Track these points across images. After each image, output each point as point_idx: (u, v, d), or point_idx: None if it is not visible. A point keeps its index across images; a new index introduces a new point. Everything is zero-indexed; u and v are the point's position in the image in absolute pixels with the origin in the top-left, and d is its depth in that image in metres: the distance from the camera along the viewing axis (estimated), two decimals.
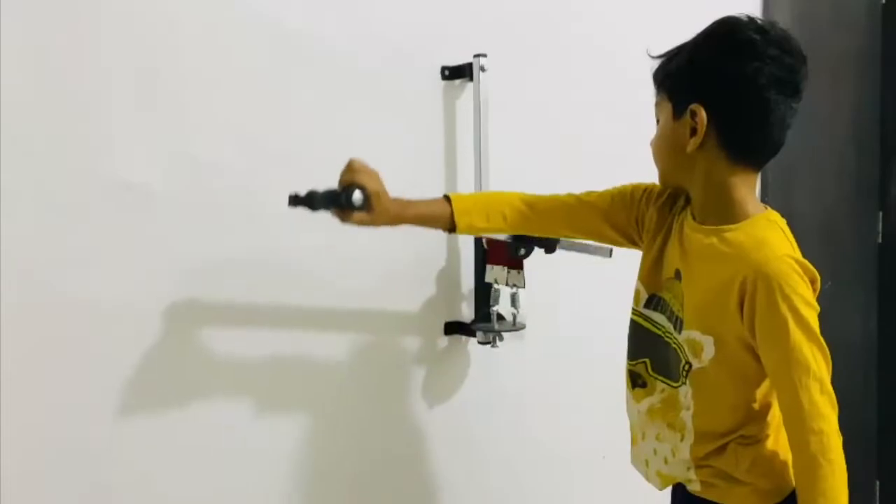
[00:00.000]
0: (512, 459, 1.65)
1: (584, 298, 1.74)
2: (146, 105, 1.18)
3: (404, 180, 1.46)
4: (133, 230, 1.18)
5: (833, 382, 1.01)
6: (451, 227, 1.19)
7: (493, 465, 1.62)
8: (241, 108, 1.27)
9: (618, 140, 1.67)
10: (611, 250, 1.33)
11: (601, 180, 1.72)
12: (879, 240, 2.46)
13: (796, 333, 0.99)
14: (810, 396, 0.99)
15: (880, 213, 2.46)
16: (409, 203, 1.17)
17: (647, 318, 1.16)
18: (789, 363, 1.00)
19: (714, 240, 1.05)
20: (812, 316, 1.01)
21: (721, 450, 1.09)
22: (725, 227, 1.05)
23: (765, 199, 2.17)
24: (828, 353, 1.02)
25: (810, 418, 0.99)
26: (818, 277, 1.03)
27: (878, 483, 2.45)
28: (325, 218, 1.36)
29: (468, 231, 1.21)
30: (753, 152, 1.07)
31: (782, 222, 1.08)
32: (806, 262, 1.02)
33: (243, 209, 1.28)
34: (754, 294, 1.00)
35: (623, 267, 1.74)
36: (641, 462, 1.18)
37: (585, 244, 1.32)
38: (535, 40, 1.62)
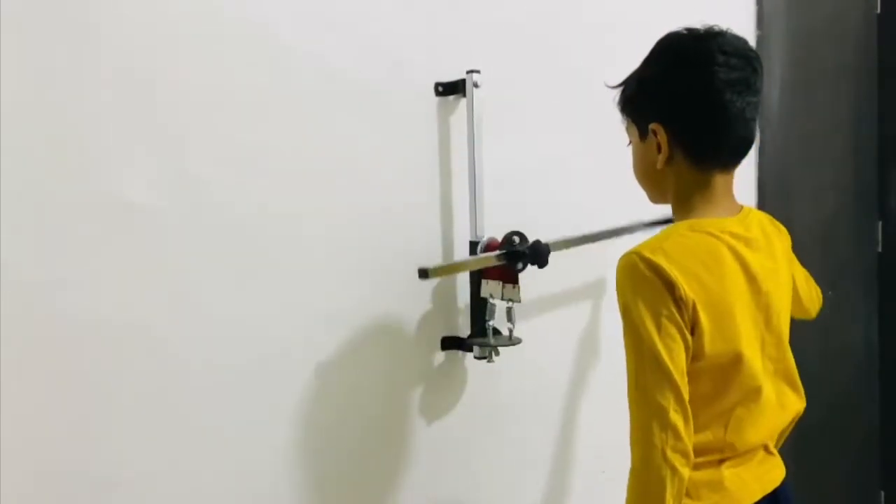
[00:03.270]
0: (509, 474, 1.65)
1: (580, 312, 1.74)
2: (144, 124, 1.19)
3: (399, 196, 1.48)
4: (132, 247, 1.19)
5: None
6: None
7: (490, 480, 1.62)
8: (238, 124, 1.28)
9: (612, 156, 1.68)
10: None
11: (596, 196, 1.73)
12: (879, 248, 2.46)
13: (626, 328, 0.99)
14: (630, 392, 0.99)
15: (880, 223, 2.46)
16: None
17: None
18: (626, 358, 1.00)
19: None
20: (645, 314, 0.97)
21: None
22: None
23: (763, 209, 2.17)
24: (661, 359, 0.97)
25: (633, 417, 0.99)
26: (674, 283, 0.98)
27: (882, 493, 2.44)
28: (320, 233, 1.38)
29: None
30: (718, 154, 1.08)
31: (694, 228, 1.05)
32: (660, 264, 0.98)
33: (239, 225, 1.28)
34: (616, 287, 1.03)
35: None
36: None
37: None
38: (529, 56, 1.63)
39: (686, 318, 0.99)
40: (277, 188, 1.32)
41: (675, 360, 0.98)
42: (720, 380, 1.04)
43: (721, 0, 2.00)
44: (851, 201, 2.42)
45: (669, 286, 0.98)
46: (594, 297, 1.75)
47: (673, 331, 0.97)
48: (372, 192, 1.43)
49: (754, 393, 1.08)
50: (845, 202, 2.41)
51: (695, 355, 1.01)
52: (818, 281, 1.35)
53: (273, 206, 1.32)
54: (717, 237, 1.05)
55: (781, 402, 1.13)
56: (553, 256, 1.41)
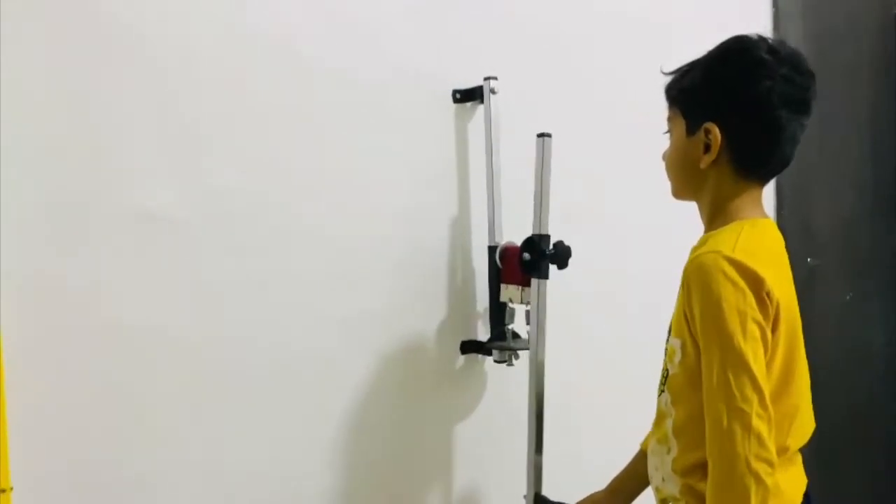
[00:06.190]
0: None
1: (599, 316, 1.74)
2: (166, 135, 1.21)
3: (418, 202, 1.49)
4: (155, 255, 1.21)
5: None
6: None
7: (510, 484, 1.62)
8: (258, 135, 1.30)
9: (629, 160, 1.68)
10: None
11: (613, 201, 1.74)
12: None
13: (707, 331, 0.96)
14: (710, 396, 0.95)
15: None
16: (621, 482, 1.30)
17: None
18: (705, 362, 0.97)
19: (695, 246, 1.08)
20: (730, 315, 0.94)
21: (705, 473, 1.02)
22: (709, 233, 1.08)
23: (781, 211, 2.17)
24: (745, 361, 0.94)
25: (712, 424, 0.95)
26: (763, 279, 0.96)
27: None
28: (341, 240, 1.39)
29: None
30: (763, 168, 1.09)
31: (756, 227, 1.05)
32: (745, 262, 0.96)
33: (260, 233, 1.30)
34: (686, 289, 1.01)
35: (637, 284, 1.75)
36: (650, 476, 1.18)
37: None
38: (546, 62, 1.64)
39: (769, 316, 0.97)
40: (298, 196, 1.34)
41: (759, 362, 0.95)
42: (785, 379, 1.03)
43: (738, 1, 2.00)
44: (870, 202, 2.41)
45: (757, 285, 0.96)
46: (613, 301, 1.76)
47: (757, 333, 0.95)
48: (391, 198, 1.44)
49: (805, 393, 1.08)
50: (864, 203, 2.39)
51: (771, 354, 0.99)
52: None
53: (294, 214, 1.34)
54: (774, 237, 1.07)
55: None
56: (571, 260, 1.42)
